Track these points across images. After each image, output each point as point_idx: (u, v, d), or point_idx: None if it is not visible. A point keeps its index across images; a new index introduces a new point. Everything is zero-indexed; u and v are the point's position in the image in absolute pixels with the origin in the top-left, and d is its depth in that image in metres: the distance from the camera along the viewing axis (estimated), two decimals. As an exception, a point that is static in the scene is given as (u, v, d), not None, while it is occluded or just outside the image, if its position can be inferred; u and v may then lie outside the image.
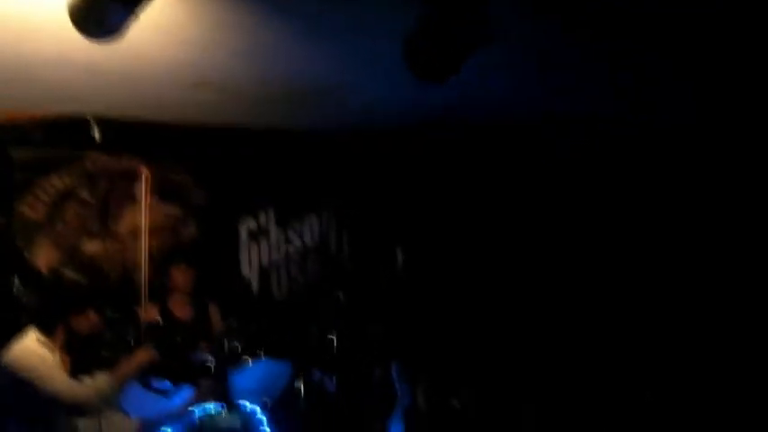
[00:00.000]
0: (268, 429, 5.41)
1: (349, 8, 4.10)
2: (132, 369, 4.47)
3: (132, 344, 4.70)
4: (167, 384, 4.90)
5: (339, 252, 7.70)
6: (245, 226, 7.35)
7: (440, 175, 7.67)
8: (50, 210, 6.50)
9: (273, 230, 7.48)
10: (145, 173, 6.18)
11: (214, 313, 6.37)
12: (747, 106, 6.09)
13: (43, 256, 6.37)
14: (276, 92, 5.78)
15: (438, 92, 4.90)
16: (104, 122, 6.42)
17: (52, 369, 4.19)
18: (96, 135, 6.39)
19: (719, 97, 5.93)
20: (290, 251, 7.54)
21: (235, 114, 6.54)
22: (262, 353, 5.54)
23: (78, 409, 4.24)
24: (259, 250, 7.41)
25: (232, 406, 5.29)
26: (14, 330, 4.37)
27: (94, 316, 4.44)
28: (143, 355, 4.55)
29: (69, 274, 5.95)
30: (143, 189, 6.18)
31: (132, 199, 6.60)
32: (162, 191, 6.78)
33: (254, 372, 5.51)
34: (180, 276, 6.23)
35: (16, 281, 6.02)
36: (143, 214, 6.16)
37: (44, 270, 6.28)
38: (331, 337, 6.14)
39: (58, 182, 6.53)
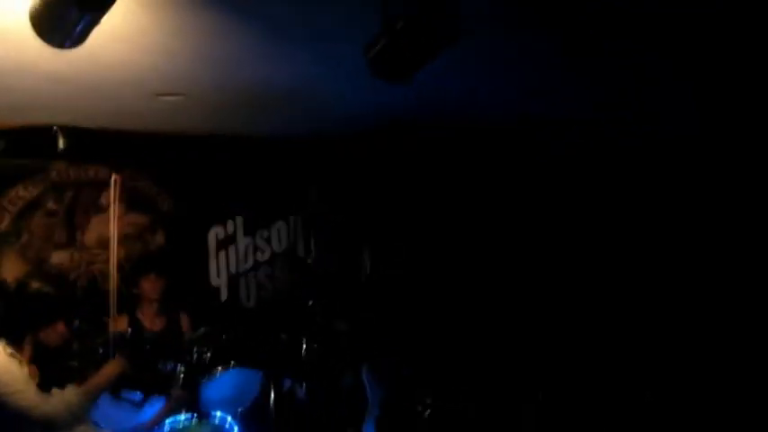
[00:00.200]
0: (239, 438, 5.38)
1: (311, 13, 4.09)
2: (103, 380, 4.43)
3: (102, 355, 4.67)
4: (138, 395, 4.87)
5: (307, 258, 7.69)
6: (214, 234, 7.33)
7: (407, 177, 7.69)
8: (16, 221, 6.45)
9: (241, 238, 7.46)
10: (114, 177, 6.14)
11: (184, 323, 6.32)
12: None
13: (10, 268, 6.32)
14: (240, 98, 5.75)
15: (403, 94, 4.90)
16: (69, 131, 6.37)
17: (21, 382, 4.13)
18: (61, 144, 6.34)
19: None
20: (258, 258, 7.53)
21: (199, 121, 6.50)
22: (232, 362, 5.51)
23: (49, 422, 4.18)
24: (227, 258, 7.39)
25: (203, 416, 5.26)
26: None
27: (63, 327, 4.39)
28: (113, 367, 4.50)
29: (37, 285, 5.92)
30: (112, 195, 6.15)
31: (99, 208, 6.58)
32: (129, 200, 6.77)
33: (224, 381, 5.45)
34: (149, 286, 6.16)
35: (-18, 293, 5.95)
36: (112, 221, 6.13)
37: (11, 282, 6.21)
38: (301, 344, 6.13)
39: (23, 192, 6.48)
